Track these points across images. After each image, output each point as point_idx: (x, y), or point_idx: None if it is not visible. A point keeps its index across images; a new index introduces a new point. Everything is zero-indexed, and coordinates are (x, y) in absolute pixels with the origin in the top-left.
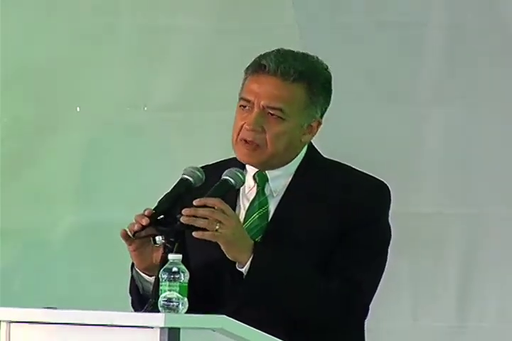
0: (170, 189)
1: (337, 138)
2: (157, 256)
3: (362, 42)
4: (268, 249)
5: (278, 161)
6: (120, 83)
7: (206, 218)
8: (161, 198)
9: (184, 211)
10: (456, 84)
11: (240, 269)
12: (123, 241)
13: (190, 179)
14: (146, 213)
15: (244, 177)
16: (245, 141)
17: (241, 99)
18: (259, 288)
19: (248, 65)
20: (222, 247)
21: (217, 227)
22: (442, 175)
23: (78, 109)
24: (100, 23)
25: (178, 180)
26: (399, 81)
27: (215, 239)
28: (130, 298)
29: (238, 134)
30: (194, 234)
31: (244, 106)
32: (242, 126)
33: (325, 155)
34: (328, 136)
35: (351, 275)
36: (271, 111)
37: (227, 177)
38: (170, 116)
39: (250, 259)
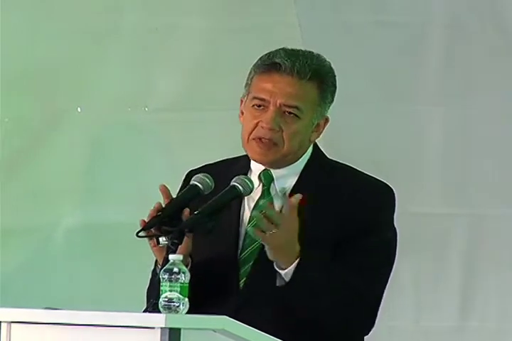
0: (178, 193)
1: (337, 138)
2: (181, 251)
3: (364, 41)
4: (312, 259)
5: (289, 160)
6: (121, 83)
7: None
8: (168, 202)
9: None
10: (457, 84)
11: (278, 270)
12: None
13: (200, 186)
14: (156, 207)
15: (253, 185)
16: (260, 139)
17: (254, 98)
18: (297, 293)
19: (255, 64)
20: (267, 249)
21: (274, 231)
22: (443, 175)
23: (79, 109)
24: (102, 23)
25: (188, 186)
26: (400, 80)
27: (266, 241)
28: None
29: (251, 133)
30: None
31: (259, 106)
32: (256, 125)
33: (326, 155)
34: (328, 136)
35: (357, 286)
36: (288, 110)
37: (236, 184)
38: (171, 116)
39: (295, 266)
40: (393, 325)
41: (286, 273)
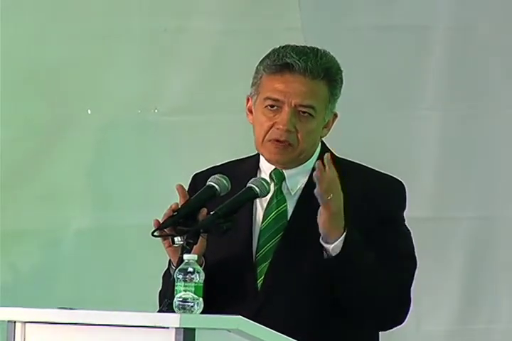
0: (195, 194)
1: (336, 141)
2: (196, 252)
3: (367, 45)
4: (356, 234)
5: (302, 158)
6: (131, 85)
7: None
8: (184, 202)
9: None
10: (461, 88)
11: (325, 245)
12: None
13: (216, 187)
14: (172, 207)
15: (270, 187)
16: (277, 140)
17: (267, 98)
18: (345, 267)
19: (262, 63)
20: (322, 219)
21: (330, 197)
22: (442, 179)
23: (89, 111)
24: (111, 26)
25: (204, 187)
26: (403, 85)
27: (329, 205)
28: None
29: (265, 135)
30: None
31: (272, 106)
32: (270, 127)
33: (334, 153)
34: (326, 139)
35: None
36: (303, 110)
37: (253, 186)
38: (181, 118)
39: (343, 240)
40: (392, 330)
41: (335, 246)
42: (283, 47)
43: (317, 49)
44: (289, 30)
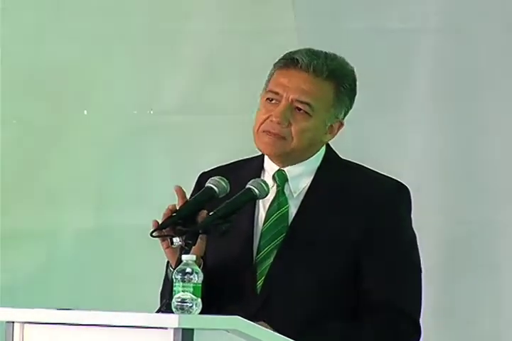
0: (194, 196)
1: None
2: (194, 252)
3: (360, 47)
4: None
5: (297, 157)
6: (127, 86)
7: None
8: (182, 204)
9: None
10: (455, 90)
11: None
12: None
13: (215, 188)
14: (170, 208)
15: (268, 189)
16: (269, 132)
17: (269, 91)
18: None
19: (277, 59)
20: None
21: None
22: (426, 184)
23: (85, 112)
24: (109, 27)
25: (203, 188)
26: (393, 87)
27: None
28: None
29: (261, 125)
30: None
31: (271, 99)
32: (266, 118)
33: (339, 155)
34: None
35: (392, 301)
36: (299, 106)
37: (252, 187)
38: (176, 119)
39: None
40: None
41: None
42: (304, 48)
43: (335, 55)
44: (285, 32)
